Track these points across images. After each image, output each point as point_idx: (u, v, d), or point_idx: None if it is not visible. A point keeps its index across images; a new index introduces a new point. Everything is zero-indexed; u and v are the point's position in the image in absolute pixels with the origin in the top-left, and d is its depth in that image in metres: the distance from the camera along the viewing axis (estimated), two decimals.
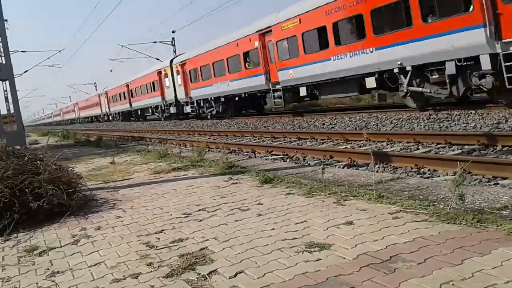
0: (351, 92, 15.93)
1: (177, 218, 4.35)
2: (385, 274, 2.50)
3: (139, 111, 40.43)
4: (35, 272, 3.37)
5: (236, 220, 3.98)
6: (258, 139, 13.47)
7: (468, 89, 11.75)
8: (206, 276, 2.80)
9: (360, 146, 9.19)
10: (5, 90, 17.23)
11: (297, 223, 3.66)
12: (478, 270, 2.40)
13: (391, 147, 8.58)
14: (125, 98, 42.92)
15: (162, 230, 3.98)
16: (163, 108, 32.99)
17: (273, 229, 3.59)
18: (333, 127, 13.55)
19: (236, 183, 5.77)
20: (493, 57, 10.37)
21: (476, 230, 3.02)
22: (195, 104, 27.48)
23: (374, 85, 14.11)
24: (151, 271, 3.01)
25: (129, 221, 4.48)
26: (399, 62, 12.85)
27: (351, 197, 4.27)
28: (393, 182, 4.83)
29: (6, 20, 15.75)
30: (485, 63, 10.52)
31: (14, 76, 16.21)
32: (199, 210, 4.54)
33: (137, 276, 2.95)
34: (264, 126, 17.10)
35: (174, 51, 44.01)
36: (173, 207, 4.86)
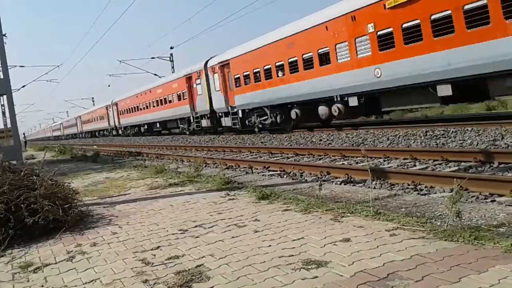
0: None
1: (173, 234, 4.32)
2: None
3: (158, 123, 35.47)
4: None
5: (233, 237, 3.97)
6: (255, 155, 13.48)
7: None
8: None
9: (357, 163, 9.21)
10: (2, 105, 17.26)
11: (294, 240, 3.64)
12: None
13: (388, 164, 8.60)
14: (141, 109, 37.95)
15: (158, 246, 3.95)
16: (192, 120, 28.35)
17: (270, 245, 3.57)
18: (330, 143, 13.59)
19: (233, 199, 5.75)
20: None
21: (473, 248, 3.01)
22: (240, 115, 22.54)
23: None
24: None
25: (125, 237, 4.45)
26: None
27: (348, 214, 4.26)
28: (390, 199, 4.83)
29: (4, 35, 15.85)
30: None
31: (12, 91, 16.24)
32: (196, 226, 4.52)
33: None
34: (262, 142, 17.12)
35: (172, 67, 44.42)
36: (169, 223, 4.83)
